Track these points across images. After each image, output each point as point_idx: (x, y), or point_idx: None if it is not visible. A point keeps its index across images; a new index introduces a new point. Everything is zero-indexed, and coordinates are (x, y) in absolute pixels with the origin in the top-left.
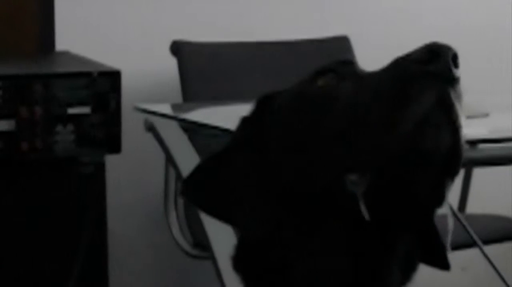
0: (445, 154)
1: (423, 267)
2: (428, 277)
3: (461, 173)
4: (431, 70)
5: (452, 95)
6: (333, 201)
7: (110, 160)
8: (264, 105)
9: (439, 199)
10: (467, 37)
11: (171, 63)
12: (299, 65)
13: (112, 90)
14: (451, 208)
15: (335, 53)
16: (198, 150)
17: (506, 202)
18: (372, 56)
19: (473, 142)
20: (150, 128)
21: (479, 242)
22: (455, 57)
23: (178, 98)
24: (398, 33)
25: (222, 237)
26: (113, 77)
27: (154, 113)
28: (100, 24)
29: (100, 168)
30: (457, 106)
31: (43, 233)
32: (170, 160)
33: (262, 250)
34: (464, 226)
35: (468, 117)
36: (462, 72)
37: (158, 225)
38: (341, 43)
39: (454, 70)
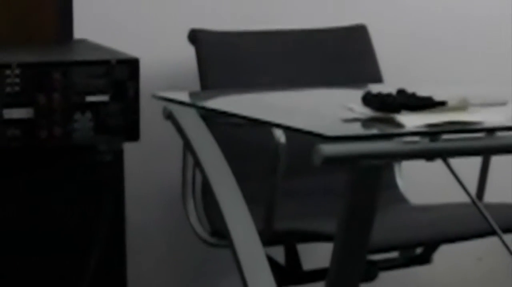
0: None
1: (440, 257)
2: (445, 267)
3: (479, 161)
4: None
5: None
6: None
7: (128, 148)
8: None
9: None
10: (486, 26)
11: (189, 51)
12: (316, 54)
13: (130, 78)
14: (471, 196)
15: (352, 42)
16: (217, 138)
17: None
18: (389, 45)
19: (490, 131)
20: (169, 116)
21: (499, 230)
22: None
23: (196, 87)
24: (415, 22)
25: (241, 225)
26: (132, 65)
27: (173, 101)
28: (118, 12)
29: (118, 156)
30: None
31: (60, 221)
32: (188, 148)
33: None
34: (483, 215)
35: (486, 105)
36: (481, 61)
37: (176, 213)
38: (359, 32)
39: None
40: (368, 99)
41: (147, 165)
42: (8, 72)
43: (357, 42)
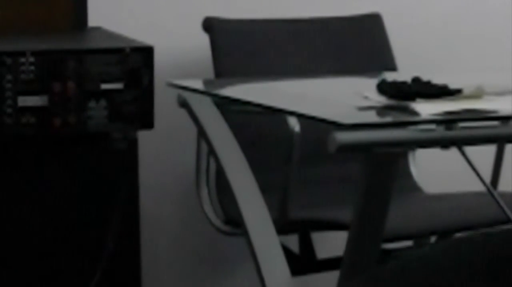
0: None
1: None
2: None
3: (493, 149)
4: None
5: None
6: None
7: (143, 136)
8: None
9: None
10: (502, 13)
11: (203, 39)
12: (331, 42)
13: (144, 66)
14: (486, 185)
15: (367, 31)
16: (231, 126)
17: None
18: (404, 34)
19: (504, 119)
20: (183, 104)
21: None
22: None
23: (210, 75)
24: (430, 10)
25: (255, 214)
26: (146, 53)
27: (187, 88)
28: (132, 0)
29: (133, 144)
30: None
31: (75, 209)
32: (203, 135)
33: None
34: (498, 203)
35: (501, 93)
36: (496, 49)
37: (190, 201)
38: (373, 21)
39: None
40: (383, 87)
41: (161, 152)
42: (22, 60)
43: (371, 31)
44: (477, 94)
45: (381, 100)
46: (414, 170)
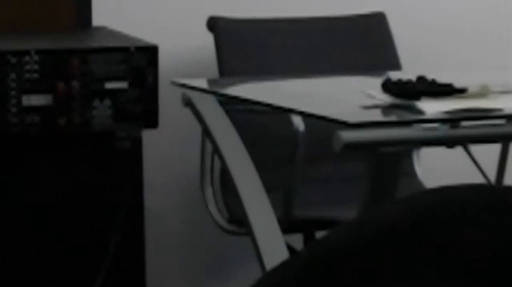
0: None
1: None
2: None
3: (498, 148)
4: None
5: None
6: None
7: (147, 135)
8: None
9: None
10: (506, 12)
11: (208, 39)
12: (335, 41)
13: (149, 65)
14: (491, 183)
15: (371, 30)
16: (235, 124)
17: None
18: (408, 33)
19: (509, 117)
20: (188, 103)
21: None
22: None
23: (215, 74)
24: (434, 9)
25: (260, 213)
26: (151, 52)
27: (192, 87)
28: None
29: (137, 143)
30: None
31: (79, 208)
32: (207, 134)
33: None
34: None
35: (506, 92)
36: (501, 48)
37: (194, 200)
38: (378, 20)
39: None
40: (388, 86)
41: (166, 152)
42: (27, 58)
43: (376, 30)
44: (482, 93)
45: (386, 99)
46: (418, 169)
